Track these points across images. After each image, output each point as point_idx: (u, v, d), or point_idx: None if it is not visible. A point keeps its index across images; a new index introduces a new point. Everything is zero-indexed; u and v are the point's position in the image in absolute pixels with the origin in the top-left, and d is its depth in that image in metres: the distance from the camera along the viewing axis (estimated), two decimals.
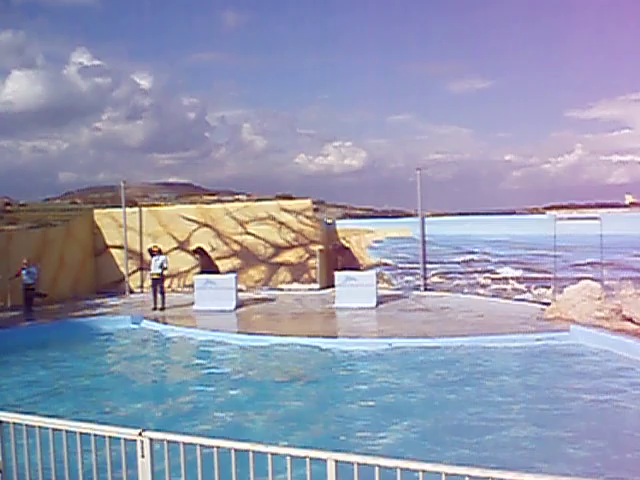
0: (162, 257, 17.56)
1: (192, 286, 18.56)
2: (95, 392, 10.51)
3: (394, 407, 9.00)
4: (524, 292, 16.79)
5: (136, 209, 22.25)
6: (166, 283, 19.41)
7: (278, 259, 20.77)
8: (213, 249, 21.08)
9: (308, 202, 21.31)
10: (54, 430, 4.26)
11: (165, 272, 17.73)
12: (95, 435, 4.11)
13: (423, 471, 3.22)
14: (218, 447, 3.73)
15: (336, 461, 3.41)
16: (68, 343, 13.98)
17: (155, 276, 17.53)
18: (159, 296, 17.45)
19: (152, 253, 17.79)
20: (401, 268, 20.04)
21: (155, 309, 17.25)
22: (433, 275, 19.38)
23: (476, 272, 18.22)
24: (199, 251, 21.04)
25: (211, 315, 16.58)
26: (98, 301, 19.22)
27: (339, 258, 20.42)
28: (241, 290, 18.89)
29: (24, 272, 17.12)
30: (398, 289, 19.64)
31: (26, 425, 4.36)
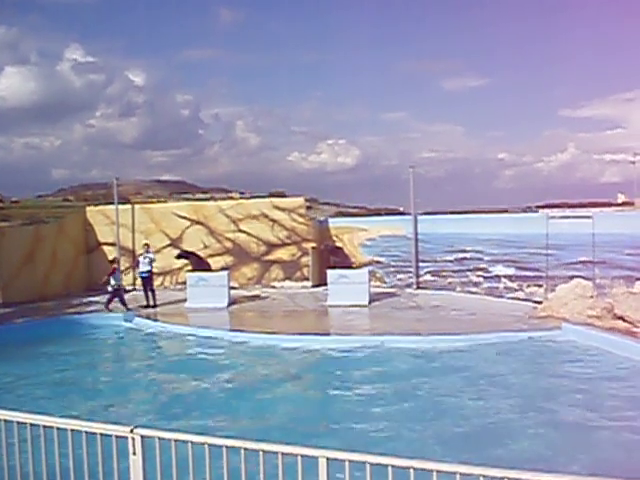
0: (150, 255, 17.58)
1: (185, 283, 18.53)
2: (85, 389, 10.48)
3: (383, 404, 9.02)
4: (516, 290, 16.83)
5: (129, 206, 22.19)
6: (159, 280, 19.41)
7: (271, 257, 20.76)
8: (206, 246, 21.04)
9: (301, 200, 21.31)
10: (45, 427, 4.25)
11: (154, 269, 17.75)
12: (86, 432, 4.11)
13: (414, 468, 3.23)
14: (209, 444, 3.73)
15: (327, 458, 3.42)
16: (60, 340, 13.92)
17: (144, 274, 17.53)
18: (149, 294, 17.38)
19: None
20: (394, 266, 20.07)
21: (147, 307, 17.18)
22: (426, 273, 19.42)
23: (468, 270, 18.26)
24: (183, 256, 20.88)
25: (203, 312, 16.57)
26: (90, 298, 19.13)
27: (332, 258, 20.43)
28: (233, 288, 18.86)
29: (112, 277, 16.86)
30: (391, 287, 19.67)
31: (17, 422, 4.34)
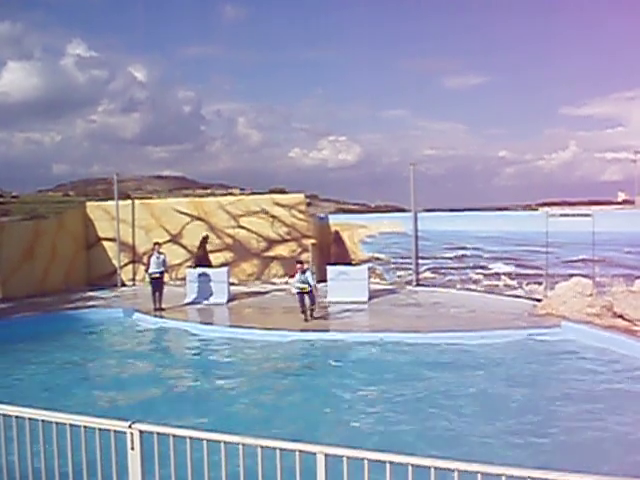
0: (162, 255, 16.83)
1: (184, 279, 18.52)
2: (84, 384, 10.48)
3: (379, 402, 9.04)
4: (516, 288, 16.82)
5: (129, 202, 22.17)
6: None
7: (271, 253, 20.74)
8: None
9: (301, 196, 21.29)
10: (44, 422, 4.26)
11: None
12: (85, 427, 4.11)
13: (412, 465, 3.23)
14: (208, 440, 3.73)
15: (325, 455, 3.42)
16: (59, 335, 13.92)
17: (156, 274, 16.59)
18: (156, 295, 16.50)
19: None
20: (393, 263, 20.06)
21: (157, 309, 16.26)
22: (425, 270, 19.41)
23: (468, 268, 18.25)
24: (204, 237, 20.65)
25: (203, 308, 16.57)
26: (90, 293, 19.16)
27: (333, 250, 20.40)
28: (233, 284, 18.85)
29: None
30: (390, 284, 19.67)
31: (16, 417, 4.35)
